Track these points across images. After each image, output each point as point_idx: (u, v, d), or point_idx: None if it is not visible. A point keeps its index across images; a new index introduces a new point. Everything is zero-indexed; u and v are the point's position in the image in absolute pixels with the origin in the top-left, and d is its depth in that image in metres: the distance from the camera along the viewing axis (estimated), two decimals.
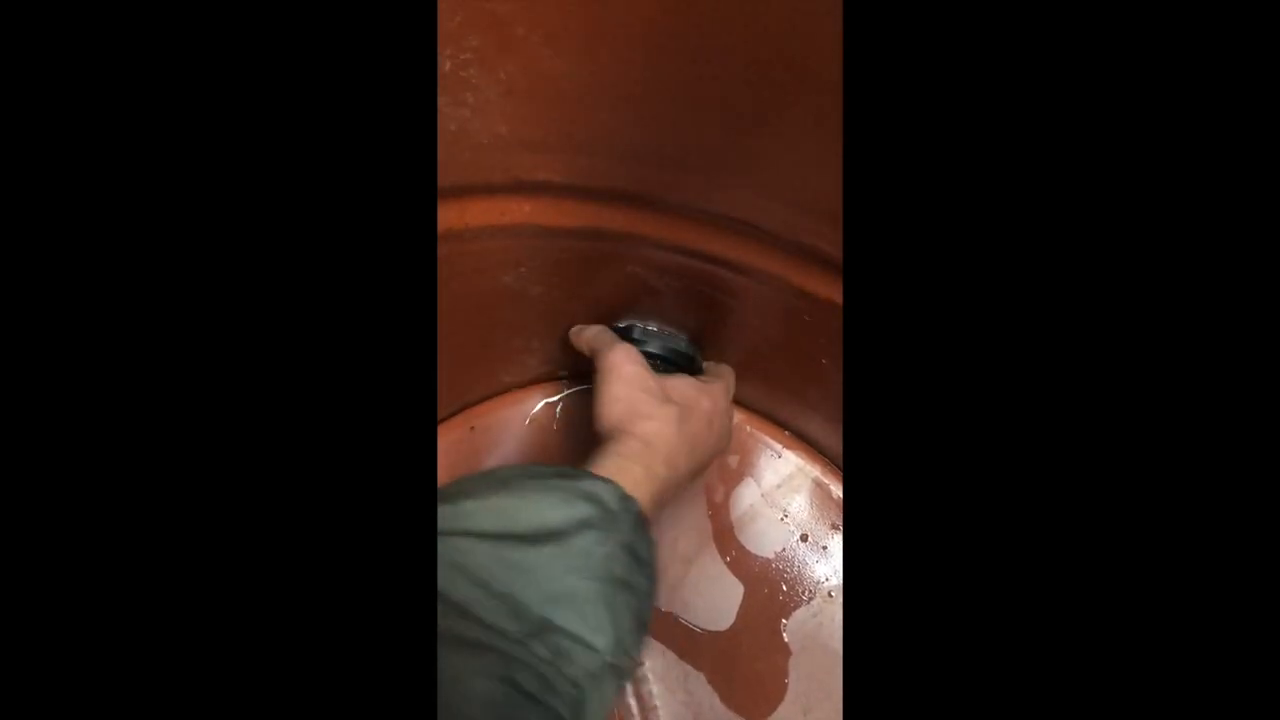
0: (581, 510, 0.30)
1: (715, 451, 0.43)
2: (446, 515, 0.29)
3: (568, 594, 0.28)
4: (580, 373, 0.58)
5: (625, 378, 0.40)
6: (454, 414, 0.57)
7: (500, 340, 0.51)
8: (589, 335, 0.46)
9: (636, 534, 0.32)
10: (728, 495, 0.55)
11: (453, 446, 0.56)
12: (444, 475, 0.56)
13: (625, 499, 0.33)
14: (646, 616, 0.32)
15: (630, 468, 0.36)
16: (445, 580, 0.27)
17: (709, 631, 0.53)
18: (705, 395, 0.42)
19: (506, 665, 0.26)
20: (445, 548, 0.28)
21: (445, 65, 0.28)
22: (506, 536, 0.29)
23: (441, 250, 0.39)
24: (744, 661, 0.52)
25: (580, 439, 0.57)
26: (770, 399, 0.53)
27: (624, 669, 0.29)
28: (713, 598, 0.53)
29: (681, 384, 0.41)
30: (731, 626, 0.53)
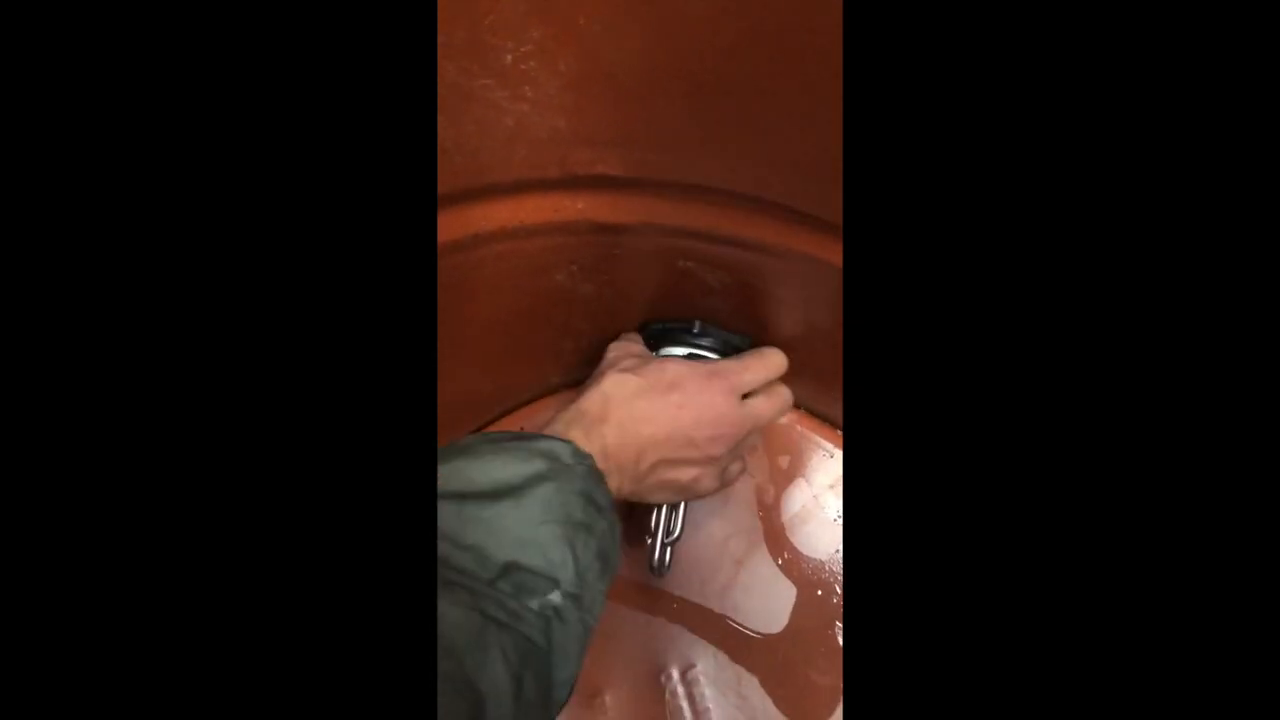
0: (537, 465, 0.33)
1: (715, 427, 0.41)
2: None
3: (530, 539, 0.31)
4: None
5: (603, 365, 0.44)
6: (503, 415, 0.57)
7: (550, 340, 0.51)
8: None
9: (591, 482, 0.34)
10: (779, 496, 0.54)
11: None
12: None
13: (578, 453, 0.35)
14: (610, 554, 0.34)
15: (570, 431, 0.38)
16: None
17: (761, 634, 0.52)
18: (694, 375, 0.41)
19: (476, 599, 0.28)
20: None
21: (506, 59, 0.28)
22: (468, 495, 0.31)
23: (494, 249, 0.40)
24: (797, 665, 0.51)
25: None
26: (823, 397, 0.53)
27: (587, 599, 0.32)
28: (765, 600, 0.52)
29: (665, 363, 0.42)
30: (784, 629, 0.52)
